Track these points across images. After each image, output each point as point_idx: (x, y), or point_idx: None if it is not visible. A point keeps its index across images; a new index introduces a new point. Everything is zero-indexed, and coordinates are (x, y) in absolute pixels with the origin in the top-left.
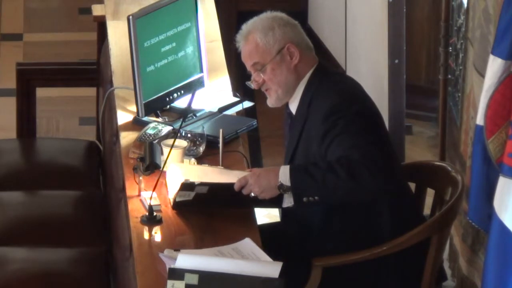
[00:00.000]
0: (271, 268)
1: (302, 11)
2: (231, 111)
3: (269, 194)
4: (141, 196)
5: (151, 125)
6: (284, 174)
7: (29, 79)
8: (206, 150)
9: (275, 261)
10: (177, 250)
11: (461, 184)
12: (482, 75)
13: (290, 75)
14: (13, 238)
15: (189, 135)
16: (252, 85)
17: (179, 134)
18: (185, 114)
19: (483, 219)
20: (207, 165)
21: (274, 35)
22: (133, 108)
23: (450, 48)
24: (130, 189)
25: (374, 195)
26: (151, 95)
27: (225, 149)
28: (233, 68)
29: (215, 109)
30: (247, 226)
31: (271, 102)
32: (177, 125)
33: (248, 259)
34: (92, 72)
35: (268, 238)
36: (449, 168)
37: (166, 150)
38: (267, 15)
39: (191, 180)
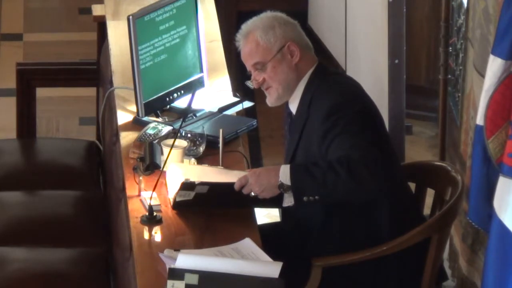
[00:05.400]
0: (271, 268)
1: (302, 11)
2: (231, 111)
3: (269, 194)
4: (141, 196)
5: (151, 125)
6: (284, 173)
7: (29, 79)
8: (206, 150)
9: (275, 261)
10: (177, 250)
11: (461, 184)
12: (482, 75)
13: (291, 73)
14: (13, 238)
15: (189, 135)
16: (252, 84)
17: (179, 134)
18: (185, 114)
19: (483, 219)
20: (207, 165)
21: (275, 33)
22: (133, 108)
23: (450, 48)
24: (130, 189)
25: (374, 194)
26: (151, 95)
27: (225, 149)
28: (233, 68)
29: (215, 109)
30: (247, 226)
31: (270, 101)
32: (177, 125)
33: (248, 259)
34: (92, 72)
35: (268, 238)
36: (449, 168)
37: (166, 150)
38: (267, 14)
39: (191, 180)
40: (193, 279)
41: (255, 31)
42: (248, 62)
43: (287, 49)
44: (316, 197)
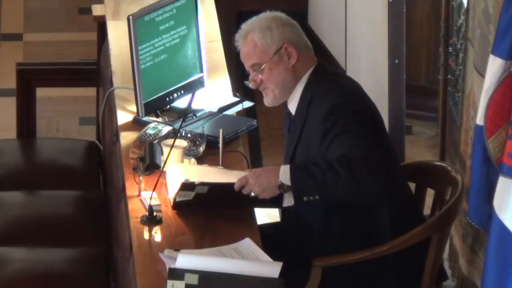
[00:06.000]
0: (271, 268)
1: (302, 11)
2: (231, 111)
3: (269, 194)
4: (141, 196)
5: (151, 125)
6: (284, 174)
7: (29, 79)
8: (206, 150)
9: (275, 261)
10: (177, 250)
11: (461, 184)
12: (482, 75)
13: (287, 75)
14: (13, 238)
15: (189, 135)
16: (250, 84)
17: (179, 134)
18: (185, 114)
19: (483, 219)
20: (207, 165)
21: (272, 35)
22: (133, 108)
23: (450, 48)
24: (130, 189)
25: (374, 194)
26: (151, 95)
27: (225, 149)
28: (233, 68)
29: (215, 109)
30: (247, 226)
31: (267, 101)
32: (177, 125)
33: (248, 259)
34: (92, 72)
35: (268, 238)
36: (449, 168)
37: (166, 150)
38: (266, 15)
39: (191, 180)
40: (193, 279)
41: (253, 32)
42: (246, 63)
43: (284, 51)
44: (316, 197)
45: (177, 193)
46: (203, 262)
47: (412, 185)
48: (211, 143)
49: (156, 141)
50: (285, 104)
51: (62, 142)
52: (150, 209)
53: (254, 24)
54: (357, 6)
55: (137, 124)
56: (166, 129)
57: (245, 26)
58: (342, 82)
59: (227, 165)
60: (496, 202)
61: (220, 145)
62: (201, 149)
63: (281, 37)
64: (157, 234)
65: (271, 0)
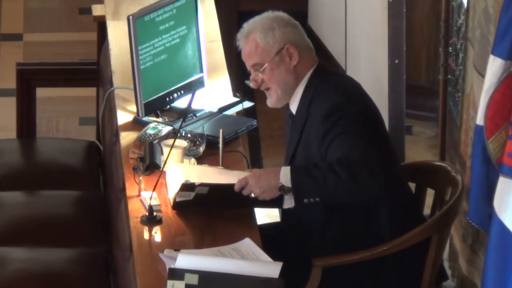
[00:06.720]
0: (271, 268)
1: (302, 11)
2: (231, 111)
3: (269, 195)
4: (141, 196)
5: (151, 125)
6: (284, 175)
7: (29, 79)
8: (206, 150)
9: (275, 261)
10: (177, 250)
11: (461, 184)
12: (482, 75)
13: (289, 75)
14: (13, 238)
15: (189, 135)
16: (251, 84)
17: (179, 134)
18: (185, 114)
19: (483, 219)
20: (207, 165)
21: (274, 35)
22: (133, 108)
23: (450, 48)
24: (130, 189)
25: (374, 195)
26: (151, 95)
27: (225, 149)
28: (233, 68)
29: (215, 109)
30: (247, 226)
31: (271, 102)
32: (177, 125)
33: (248, 259)
34: (92, 72)
35: (268, 238)
36: (449, 168)
37: (166, 150)
38: (268, 15)
39: (192, 180)
40: (193, 279)
41: (255, 32)
42: (248, 62)
43: (286, 51)
44: (317, 198)
45: (177, 193)
46: (203, 262)
47: (412, 185)
48: (211, 143)
49: (156, 141)
50: (287, 105)
51: (62, 142)
52: (150, 209)
53: (256, 23)
54: (357, 6)
55: (137, 124)
56: (166, 129)
57: (247, 26)
58: (342, 82)
59: (227, 165)
60: (496, 202)
61: (220, 145)
62: (201, 149)
63: (283, 38)
64: (157, 234)
65: (271, 0)
